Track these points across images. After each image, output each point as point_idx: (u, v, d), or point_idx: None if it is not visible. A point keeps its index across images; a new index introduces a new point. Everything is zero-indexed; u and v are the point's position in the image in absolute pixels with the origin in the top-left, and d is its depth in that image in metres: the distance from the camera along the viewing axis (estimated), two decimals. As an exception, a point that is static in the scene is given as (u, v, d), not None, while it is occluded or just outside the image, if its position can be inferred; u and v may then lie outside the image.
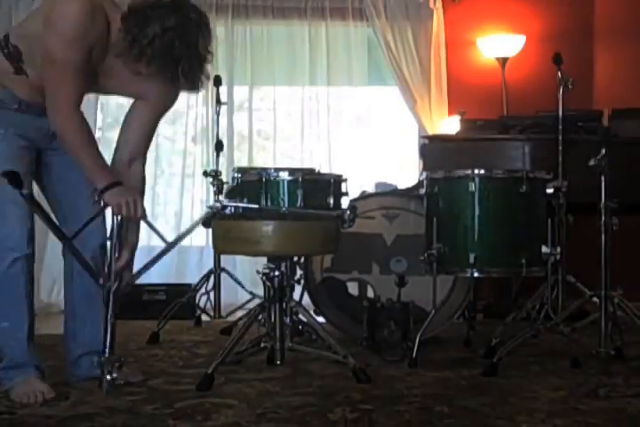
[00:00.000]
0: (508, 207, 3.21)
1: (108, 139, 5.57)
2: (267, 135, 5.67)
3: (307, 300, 3.80)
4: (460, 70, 5.52)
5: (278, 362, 3.03)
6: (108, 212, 2.71)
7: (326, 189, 3.41)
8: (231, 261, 4.90)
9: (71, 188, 2.79)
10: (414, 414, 2.42)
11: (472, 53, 5.54)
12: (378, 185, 4.32)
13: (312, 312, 3.38)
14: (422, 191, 3.36)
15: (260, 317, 3.10)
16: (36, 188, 2.78)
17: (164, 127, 5.54)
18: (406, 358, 3.19)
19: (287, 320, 3.03)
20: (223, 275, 4.35)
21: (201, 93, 5.42)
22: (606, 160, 3.14)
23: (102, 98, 5.43)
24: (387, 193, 3.98)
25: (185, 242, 5.38)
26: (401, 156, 5.59)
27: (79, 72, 2.53)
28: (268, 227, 2.81)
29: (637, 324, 3.21)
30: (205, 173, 4.22)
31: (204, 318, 4.35)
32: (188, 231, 2.92)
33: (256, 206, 2.97)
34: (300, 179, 3.36)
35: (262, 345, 3.04)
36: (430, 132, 5.26)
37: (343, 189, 3.50)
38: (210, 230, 3.11)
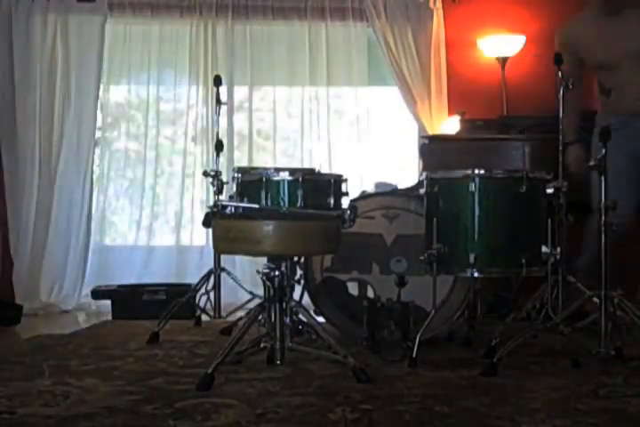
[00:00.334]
0: (508, 207, 3.21)
1: (108, 139, 5.58)
2: (267, 135, 5.67)
3: (307, 300, 3.80)
4: (459, 70, 5.52)
5: (278, 362, 3.03)
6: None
7: (326, 189, 3.41)
8: (231, 261, 4.90)
9: None
10: (414, 414, 2.42)
11: (472, 53, 5.54)
12: (378, 185, 4.32)
13: (312, 312, 3.38)
14: (422, 191, 3.36)
15: (260, 317, 3.10)
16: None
17: (164, 127, 5.56)
18: (406, 358, 3.19)
19: (287, 320, 3.03)
20: (223, 275, 4.35)
21: (201, 93, 5.44)
22: (606, 160, 3.14)
23: (102, 98, 5.44)
24: (387, 193, 3.98)
25: (185, 242, 5.44)
26: (401, 156, 5.59)
27: None
28: (268, 227, 2.81)
29: (637, 324, 3.21)
30: (205, 173, 4.22)
31: (204, 318, 4.35)
32: None
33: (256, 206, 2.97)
34: (300, 179, 3.36)
35: (262, 345, 3.04)
36: (430, 133, 5.26)
37: (343, 189, 3.50)
38: (210, 230, 3.11)
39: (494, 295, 4.11)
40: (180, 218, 5.43)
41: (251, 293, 4.47)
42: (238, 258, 5.04)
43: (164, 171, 5.60)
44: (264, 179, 3.38)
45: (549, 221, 3.22)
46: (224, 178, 4.22)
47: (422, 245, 3.32)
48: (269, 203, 3.35)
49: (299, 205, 3.32)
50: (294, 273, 3.16)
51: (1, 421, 2.37)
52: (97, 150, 5.47)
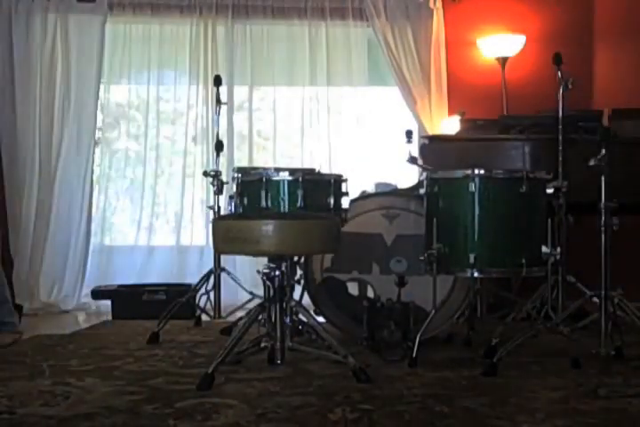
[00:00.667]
0: (508, 207, 3.21)
1: (108, 139, 5.58)
2: (267, 135, 5.67)
3: (307, 300, 3.80)
4: (460, 70, 5.52)
5: (278, 362, 3.03)
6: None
7: (326, 189, 3.42)
8: (231, 261, 4.89)
9: None
10: (414, 414, 2.42)
11: (472, 53, 5.54)
12: (378, 185, 4.32)
13: (312, 312, 3.38)
14: (422, 191, 3.37)
15: (260, 317, 3.10)
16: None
17: (164, 127, 5.56)
18: (406, 358, 3.19)
19: (287, 320, 3.03)
20: (223, 275, 4.35)
21: (201, 93, 5.44)
22: (606, 160, 3.14)
23: (102, 98, 5.44)
24: (387, 193, 3.98)
25: (185, 242, 5.44)
26: (401, 156, 5.58)
27: None
28: (267, 226, 2.81)
29: (637, 324, 3.21)
30: (205, 173, 4.22)
31: (204, 318, 4.35)
32: None
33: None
34: (300, 179, 3.37)
35: (262, 345, 3.04)
36: (430, 133, 5.26)
37: (343, 189, 3.51)
38: (210, 230, 3.11)
39: (494, 295, 4.11)
40: (180, 218, 5.43)
41: (251, 293, 4.48)
42: (238, 258, 5.04)
43: (164, 171, 5.60)
44: (264, 179, 3.39)
45: (549, 221, 3.22)
46: (224, 178, 4.22)
47: (422, 245, 3.32)
48: (269, 203, 3.35)
49: (298, 205, 3.33)
50: (294, 273, 3.16)
51: (1, 421, 2.37)
52: (97, 150, 5.47)
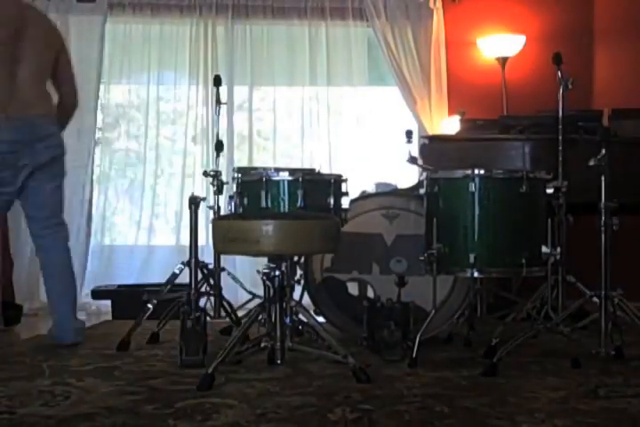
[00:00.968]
0: (508, 207, 3.21)
1: (108, 139, 5.58)
2: (267, 135, 5.67)
3: (307, 300, 3.80)
4: (460, 70, 5.52)
5: (278, 362, 3.03)
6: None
7: (326, 189, 3.42)
8: (231, 261, 4.89)
9: None
10: (414, 414, 2.42)
11: (472, 53, 5.54)
12: (378, 185, 4.32)
13: (312, 312, 3.38)
14: (422, 191, 3.37)
15: (260, 317, 3.10)
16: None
17: (164, 127, 5.56)
18: (406, 358, 3.19)
19: (287, 320, 3.03)
20: (223, 275, 4.35)
21: (201, 93, 5.44)
22: (606, 160, 3.14)
23: (102, 98, 5.44)
24: (387, 193, 3.98)
25: (185, 242, 5.43)
26: (401, 156, 5.58)
27: None
28: (267, 226, 2.81)
29: (637, 324, 3.21)
30: (205, 173, 4.22)
31: (204, 318, 4.34)
32: None
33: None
34: (300, 179, 3.37)
35: (262, 345, 3.04)
36: (430, 133, 5.26)
37: (343, 189, 3.51)
38: (210, 230, 3.11)
39: (494, 295, 4.11)
40: (180, 218, 5.43)
41: (251, 293, 4.47)
42: (238, 258, 5.04)
43: (163, 171, 5.60)
44: (264, 179, 3.39)
45: (549, 221, 3.22)
46: (224, 178, 4.22)
47: (422, 245, 3.32)
48: (269, 203, 3.35)
49: (298, 205, 3.33)
50: (294, 273, 3.16)
51: (1, 421, 2.37)
52: (97, 150, 5.47)
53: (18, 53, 3.45)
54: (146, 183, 5.50)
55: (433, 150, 4.20)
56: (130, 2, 5.43)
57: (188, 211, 3.67)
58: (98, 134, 5.49)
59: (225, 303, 4.12)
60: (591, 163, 3.15)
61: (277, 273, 2.98)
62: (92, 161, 5.37)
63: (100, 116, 5.48)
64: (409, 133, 3.58)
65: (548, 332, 3.24)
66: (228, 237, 2.87)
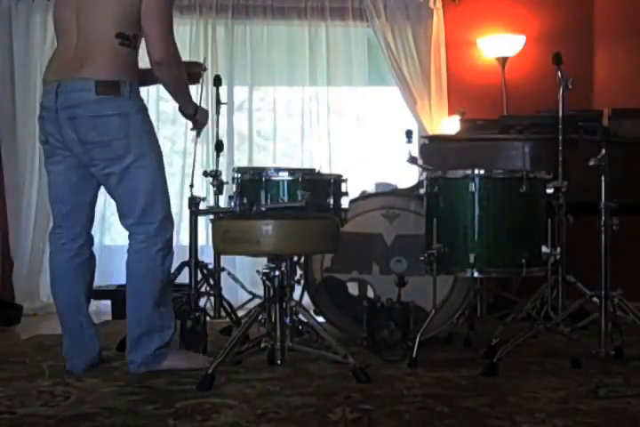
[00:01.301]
0: (508, 207, 3.21)
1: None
2: (267, 135, 5.67)
3: (307, 300, 3.80)
4: (460, 70, 5.52)
5: (278, 362, 3.03)
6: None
7: (326, 189, 3.42)
8: (231, 261, 4.90)
9: None
10: (414, 414, 2.42)
11: (472, 53, 5.54)
12: (378, 185, 4.32)
13: (312, 312, 3.38)
14: (422, 191, 3.37)
15: (260, 317, 3.10)
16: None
17: (164, 127, 5.55)
18: (406, 358, 3.19)
19: (287, 320, 3.03)
20: (223, 275, 4.35)
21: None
22: (606, 160, 3.14)
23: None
24: (387, 193, 3.98)
25: (185, 242, 5.43)
26: (401, 156, 5.58)
27: None
28: (267, 226, 2.81)
29: (637, 324, 3.21)
30: (205, 173, 4.21)
31: (204, 318, 4.34)
32: None
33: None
34: (300, 179, 3.37)
35: (262, 345, 3.04)
36: (430, 133, 5.26)
37: (343, 189, 3.51)
38: (210, 230, 3.11)
39: (494, 295, 4.11)
40: (180, 218, 5.42)
41: (251, 293, 4.47)
42: (238, 258, 5.04)
43: (163, 171, 5.59)
44: (264, 179, 3.39)
45: (549, 221, 3.22)
46: (224, 178, 4.22)
47: (422, 245, 3.32)
48: (269, 203, 3.35)
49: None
50: (294, 273, 3.16)
51: (1, 421, 2.37)
52: (97, 150, 5.46)
53: None
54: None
55: (433, 150, 4.20)
56: (130, 2, 5.42)
57: (187, 211, 3.68)
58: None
59: (225, 303, 4.13)
60: (591, 163, 3.15)
61: (277, 273, 2.98)
62: (92, 161, 5.36)
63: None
64: (409, 133, 3.58)
65: (548, 332, 3.24)
66: (228, 237, 2.87)
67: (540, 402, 2.57)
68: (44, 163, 3.10)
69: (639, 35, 5.12)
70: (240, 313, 4.17)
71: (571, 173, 3.48)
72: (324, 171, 3.78)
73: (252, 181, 3.44)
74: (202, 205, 3.65)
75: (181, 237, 5.41)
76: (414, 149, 3.69)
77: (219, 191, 4.12)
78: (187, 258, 3.85)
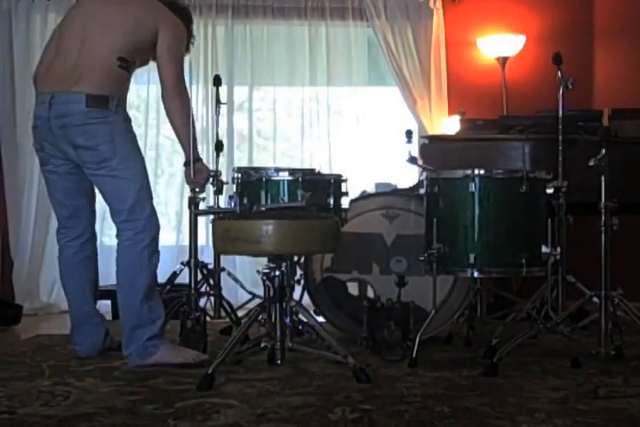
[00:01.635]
0: (508, 207, 3.21)
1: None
2: (267, 135, 5.67)
3: (307, 300, 3.80)
4: (460, 70, 5.52)
5: (278, 362, 3.03)
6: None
7: (326, 189, 3.42)
8: (231, 261, 4.90)
9: None
10: (414, 414, 2.42)
11: (472, 53, 5.54)
12: (378, 185, 4.32)
13: (312, 312, 3.38)
14: (422, 191, 3.37)
15: (260, 317, 3.10)
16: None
17: (164, 127, 5.55)
18: (406, 358, 3.19)
19: (287, 320, 3.03)
20: (223, 275, 4.35)
21: (201, 93, 5.44)
22: (606, 160, 3.14)
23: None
24: (387, 193, 3.98)
25: (185, 242, 5.43)
26: (401, 156, 5.58)
27: None
28: (267, 226, 2.81)
29: (637, 324, 3.21)
30: (205, 173, 4.21)
31: (204, 318, 4.34)
32: None
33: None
34: (300, 179, 3.37)
35: (262, 345, 3.04)
36: (430, 133, 5.26)
37: (343, 189, 3.51)
38: (210, 230, 3.11)
39: (494, 295, 4.11)
40: (180, 218, 5.43)
41: (251, 293, 4.47)
42: (238, 258, 5.04)
43: (164, 171, 5.60)
44: (264, 179, 3.39)
45: (549, 221, 3.22)
46: (224, 178, 4.22)
47: (422, 245, 3.32)
48: (269, 203, 3.35)
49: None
50: (294, 273, 3.16)
51: (1, 421, 2.37)
52: (97, 150, 5.46)
53: None
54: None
55: (433, 150, 4.19)
56: (130, 2, 5.42)
57: (187, 211, 3.68)
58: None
59: (225, 303, 4.12)
60: (591, 163, 3.15)
61: (277, 273, 2.98)
62: (92, 161, 5.36)
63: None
64: (409, 133, 3.59)
65: (548, 332, 3.24)
66: (228, 237, 2.87)
67: (539, 402, 2.57)
68: (41, 170, 3.32)
69: (639, 35, 5.12)
70: (240, 313, 4.17)
71: (571, 173, 3.48)
72: (324, 171, 3.78)
73: (252, 181, 3.44)
74: (202, 205, 3.64)
75: (181, 237, 5.43)
76: (414, 149, 3.70)
77: (219, 191, 4.12)
78: (187, 258, 3.85)
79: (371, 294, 3.66)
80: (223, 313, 4.14)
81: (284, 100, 5.63)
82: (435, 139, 4.48)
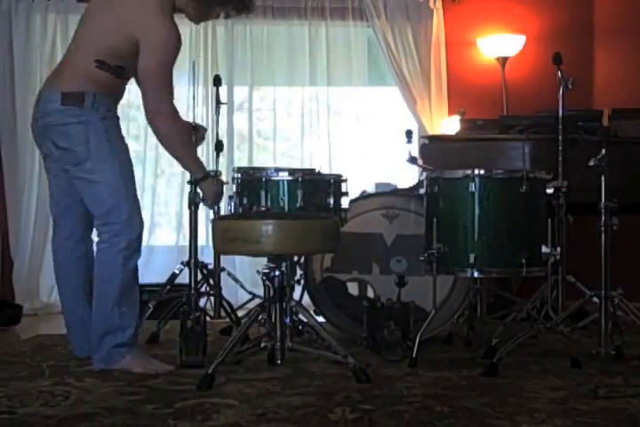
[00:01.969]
0: (508, 207, 3.21)
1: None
2: (267, 135, 5.67)
3: (307, 300, 3.80)
4: (460, 70, 5.52)
5: (278, 362, 3.03)
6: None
7: (326, 189, 3.43)
8: (231, 261, 4.89)
9: None
10: (414, 415, 2.42)
11: (472, 53, 5.54)
12: (378, 185, 4.32)
13: (312, 312, 3.38)
14: (422, 191, 3.37)
15: (260, 317, 3.10)
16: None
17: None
18: (406, 358, 3.19)
19: (287, 320, 3.03)
20: (223, 275, 4.35)
21: (201, 93, 5.43)
22: (606, 160, 3.14)
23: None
24: (387, 193, 3.98)
25: (185, 242, 5.43)
26: (401, 156, 5.58)
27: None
28: (267, 226, 2.81)
29: (637, 324, 3.21)
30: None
31: (204, 318, 4.34)
32: None
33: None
34: (300, 179, 3.37)
35: (262, 345, 3.04)
36: (430, 133, 5.26)
37: (343, 189, 3.51)
38: (210, 230, 3.11)
39: (494, 295, 4.11)
40: (180, 218, 5.43)
41: (251, 293, 4.47)
42: (238, 258, 5.04)
43: (164, 171, 5.60)
44: (264, 179, 3.39)
45: (549, 221, 3.22)
46: (224, 178, 4.22)
47: (422, 245, 3.32)
48: (269, 203, 3.35)
49: (298, 205, 3.33)
50: (294, 273, 3.16)
51: (1, 421, 2.37)
52: (97, 150, 5.46)
53: None
54: (146, 183, 5.48)
55: (433, 150, 4.20)
56: (130, 2, 5.42)
57: (187, 211, 3.68)
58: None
59: (225, 303, 4.13)
60: (591, 163, 3.15)
61: (277, 273, 2.98)
62: (92, 161, 5.36)
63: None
64: (409, 133, 3.59)
65: (548, 332, 3.24)
66: (228, 237, 2.87)
67: (539, 402, 2.57)
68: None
69: (639, 35, 5.12)
70: (240, 313, 4.17)
71: (571, 173, 3.48)
72: (324, 171, 3.78)
73: (252, 181, 3.44)
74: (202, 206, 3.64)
75: (181, 238, 5.43)
76: (414, 149, 3.70)
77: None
78: (187, 258, 3.85)
79: (371, 294, 3.66)
80: (223, 313, 4.14)
81: (283, 100, 5.63)
82: (435, 139, 4.48)
